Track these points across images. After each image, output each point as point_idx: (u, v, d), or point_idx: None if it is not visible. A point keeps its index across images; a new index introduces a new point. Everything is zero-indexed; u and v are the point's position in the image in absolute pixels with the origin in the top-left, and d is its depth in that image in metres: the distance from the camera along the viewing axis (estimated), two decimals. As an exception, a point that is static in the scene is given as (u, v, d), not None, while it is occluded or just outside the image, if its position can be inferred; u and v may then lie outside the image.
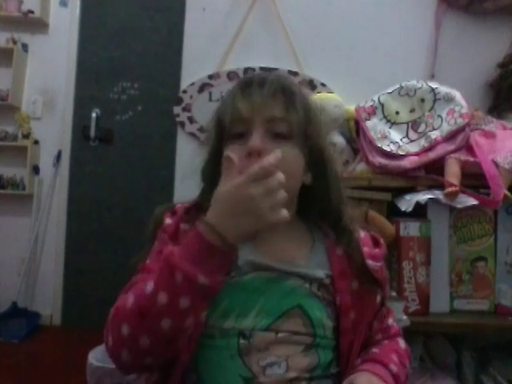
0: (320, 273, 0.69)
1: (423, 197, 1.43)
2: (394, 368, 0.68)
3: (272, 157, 0.57)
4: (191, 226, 0.67)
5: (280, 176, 0.56)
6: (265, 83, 0.68)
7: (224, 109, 0.70)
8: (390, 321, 0.77)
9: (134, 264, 0.71)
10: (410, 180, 1.54)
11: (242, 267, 0.66)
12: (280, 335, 0.65)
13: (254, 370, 0.63)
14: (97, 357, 1.36)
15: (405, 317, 1.27)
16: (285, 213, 0.56)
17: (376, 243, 0.75)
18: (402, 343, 0.76)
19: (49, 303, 2.73)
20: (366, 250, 0.71)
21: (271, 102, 0.67)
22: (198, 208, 0.71)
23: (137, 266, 0.70)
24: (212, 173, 0.70)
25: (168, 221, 0.71)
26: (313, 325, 0.66)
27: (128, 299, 0.61)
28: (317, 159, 0.70)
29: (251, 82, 0.69)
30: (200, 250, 0.56)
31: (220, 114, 0.71)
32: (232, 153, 0.62)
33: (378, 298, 0.72)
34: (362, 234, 0.75)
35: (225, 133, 0.69)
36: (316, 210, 0.74)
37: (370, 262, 0.70)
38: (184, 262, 0.55)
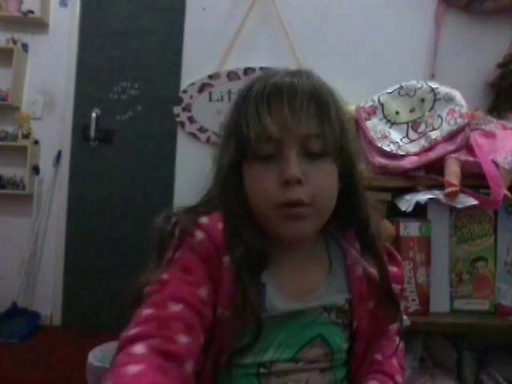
0: (339, 299, 0.64)
1: (423, 197, 1.43)
2: (399, 379, 0.68)
3: None
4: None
5: None
6: (296, 94, 0.57)
7: (247, 122, 0.58)
8: (397, 338, 0.74)
9: (140, 284, 0.58)
10: (410, 180, 1.54)
11: (268, 310, 0.60)
12: (300, 364, 0.62)
13: None
14: (97, 357, 1.37)
15: (405, 317, 1.27)
16: None
17: (391, 258, 0.68)
18: (398, 341, 0.73)
19: (49, 303, 2.73)
20: None
21: (304, 117, 0.57)
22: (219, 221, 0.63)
23: (144, 286, 0.58)
24: (221, 192, 0.62)
25: (199, 235, 0.59)
26: (332, 352, 0.64)
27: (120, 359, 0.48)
28: (348, 170, 0.63)
29: (280, 93, 0.58)
30: None
31: (241, 128, 0.59)
32: (262, 177, 0.57)
33: (393, 315, 0.67)
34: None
35: (247, 149, 0.59)
36: (336, 223, 0.66)
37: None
38: None
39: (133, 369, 0.45)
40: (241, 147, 0.59)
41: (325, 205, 0.60)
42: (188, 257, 0.59)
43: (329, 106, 0.59)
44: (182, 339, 0.51)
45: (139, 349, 0.48)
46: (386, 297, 0.64)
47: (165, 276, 0.57)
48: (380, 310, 0.65)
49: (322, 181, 0.58)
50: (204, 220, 0.61)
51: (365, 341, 0.66)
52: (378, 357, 0.70)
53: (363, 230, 0.64)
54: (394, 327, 0.75)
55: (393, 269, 0.67)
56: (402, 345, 0.74)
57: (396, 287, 0.65)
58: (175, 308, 0.54)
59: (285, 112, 0.56)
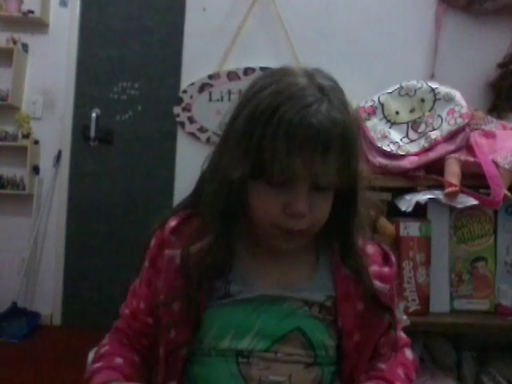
0: (320, 296, 0.65)
1: (423, 197, 1.43)
2: None
3: None
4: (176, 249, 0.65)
5: None
6: (331, 146, 0.56)
7: (272, 156, 0.56)
8: (398, 334, 0.72)
9: (128, 281, 0.74)
10: (410, 180, 1.54)
11: (233, 293, 0.64)
12: (279, 355, 0.63)
13: None
14: (97, 357, 1.36)
15: (405, 317, 1.27)
16: None
17: (386, 260, 0.69)
18: (408, 354, 0.73)
19: (49, 303, 2.74)
20: (374, 268, 0.67)
21: (332, 159, 0.57)
22: (188, 221, 0.68)
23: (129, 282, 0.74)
24: (225, 204, 0.63)
25: (152, 242, 0.68)
26: (313, 347, 0.64)
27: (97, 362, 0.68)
28: (347, 187, 0.62)
29: (315, 141, 0.56)
30: None
31: (266, 157, 0.57)
32: (269, 200, 0.59)
33: (386, 320, 0.67)
34: (371, 249, 0.69)
35: (261, 170, 0.58)
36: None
37: (377, 284, 0.65)
38: None
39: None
40: (257, 170, 0.59)
41: (318, 227, 0.63)
42: (144, 268, 0.70)
43: (352, 146, 0.59)
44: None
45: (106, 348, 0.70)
46: (371, 298, 0.64)
47: (131, 287, 0.73)
48: (369, 311, 0.65)
49: (323, 211, 0.61)
50: (171, 223, 0.67)
51: (353, 342, 0.66)
52: (382, 366, 0.69)
53: (342, 240, 0.66)
54: (402, 339, 0.74)
55: (384, 269, 0.68)
56: (412, 357, 0.73)
57: (385, 287, 0.66)
58: (122, 322, 0.72)
59: (316, 159, 0.56)
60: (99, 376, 0.64)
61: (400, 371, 0.69)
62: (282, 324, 0.64)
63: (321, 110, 0.57)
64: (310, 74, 0.61)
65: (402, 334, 0.76)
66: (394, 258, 0.70)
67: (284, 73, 0.61)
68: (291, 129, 0.55)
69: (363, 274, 0.64)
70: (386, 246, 0.72)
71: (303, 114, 0.56)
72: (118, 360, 0.67)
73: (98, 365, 0.66)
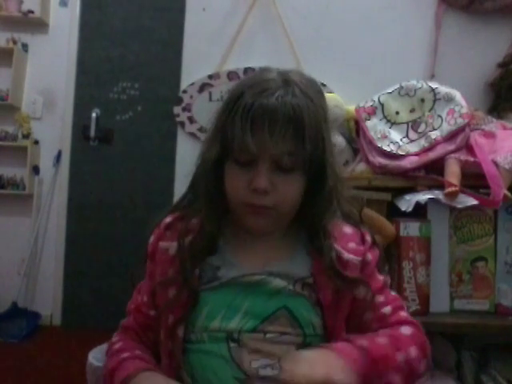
0: (301, 272, 0.70)
1: (423, 197, 1.43)
2: (364, 342, 0.64)
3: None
4: (171, 242, 0.72)
5: None
6: (277, 120, 0.63)
7: (232, 134, 0.65)
8: (387, 309, 0.73)
9: (133, 275, 0.80)
10: (410, 180, 1.54)
11: (222, 276, 0.69)
12: (268, 335, 0.66)
13: (248, 372, 0.64)
14: (97, 357, 1.36)
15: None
16: None
17: (363, 240, 0.74)
18: (404, 330, 0.70)
19: (49, 303, 2.74)
20: (351, 246, 0.72)
21: (281, 139, 0.64)
22: (182, 219, 0.74)
23: (135, 277, 0.79)
24: (205, 184, 0.71)
25: (151, 238, 0.75)
26: (300, 325, 0.67)
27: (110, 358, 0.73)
28: (317, 174, 0.69)
29: (263, 117, 0.63)
30: None
31: (226, 135, 0.67)
32: (237, 179, 0.67)
33: (362, 292, 0.70)
34: (350, 230, 0.75)
35: (229, 153, 0.68)
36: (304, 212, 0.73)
37: (350, 256, 0.71)
38: None
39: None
40: (224, 150, 0.68)
41: (286, 209, 0.69)
42: (147, 265, 0.76)
43: (304, 128, 0.64)
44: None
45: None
46: (335, 272, 0.69)
47: (138, 285, 0.79)
48: (344, 287, 0.69)
49: (287, 191, 0.67)
50: (166, 220, 0.75)
51: (332, 316, 0.69)
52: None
53: (313, 224, 0.72)
54: (395, 315, 0.73)
55: (360, 247, 0.73)
56: (409, 333, 0.70)
57: (356, 258, 0.71)
58: (129, 318, 0.78)
59: (265, 135, 0.63)
60: (128, 364, 0.67)
61: (380, 339, 0.67)
62: (269, 303, 0.67)
63: (275, 94, 0.64)
64: (284, 72, 0.69)
65: (404, 314, 0.74)
66: (369, 238, 0.75)
67: (261, 70, 0.71)
68: (245, 109, 0.64)
69: (325, 251, 0.69)
70: (365, 228, 0.77)
71: (258, 97, 0.65)
72: (138, 352, 0.72)
73: (124, 355, 0.70)
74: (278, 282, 0.68)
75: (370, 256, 0.73)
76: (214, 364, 0.66)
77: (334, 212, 0.73)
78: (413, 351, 0.67)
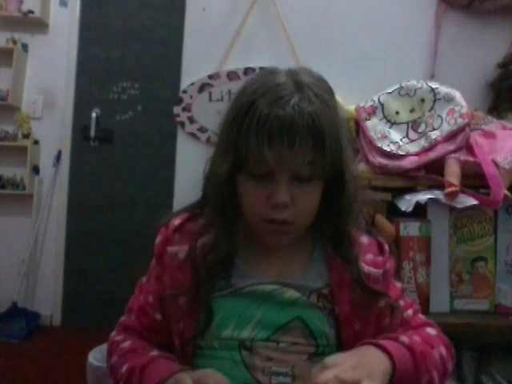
0: (317, 283, 0.68)
1: (423, 197, 1.43)
2: (405, 339, 0.64)
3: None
4: (179, 246, 0.69)
5: None
6: (296, 132, 0.59)
7: (247, 146, 0.61)
8: (409, 312, 0.73)
9: (134, 273, 0.77)
10: (410, 180, 1.54)
11: (234, 284, 0.67)
12: (281, 345, 0.65)
13: (261, 380, 0.63)
14: (97, 357, 1.36)
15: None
16: None
17: (381, 250, 0.73)
18: (430, 330, 0.71)
19: (49, 303, 2.74)
20: (369, 257, 0.70)
21: (301, 151, 0.60)
22: (191, 220, 0.72)
23: (137, 276, 0.76)
24: (219, 200, 0.67)
25: (158, 239, 0.72)
26: (314, 336, 0.66)
27: (113, 354, 0.73)
28: (335, 180, 0.66)
29: (281, 129, 0.59)
30: None
31: (241, 148, 0.62)
32: (254, 194, 0.63)
33: (382, 304, 0.69)
34: (366, 239, 0.73)
35: (243, 166, 0.63)
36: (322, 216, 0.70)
37: (371, 269, 0.68)
38: None
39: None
40: (238, 163, 0.63)
41: (305, 220, 0.66)
42: (152, 264, 0.73)
43: (324, 137, 0.61)
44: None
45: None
46: (361, 284, 0.67)
47: (144, 280, 0.75)
48: (364, 299, 0.67)
49: (307, 202, 0.64)
50: (175, 222, 0.71)
51: (353, 331, 0.67)
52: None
53: (336, 230, 0.69)
54: (417, 318, 0.73)
55: (378, 258, 0.71)
56: (434, 333, 0.71)
57: (378, 271, 0.69)
58: (131, 318, 0.74)
59: (284, 147, 0.59)
60: (160, 364, 0.64)
61: (414, 336, 0.67)
62: (283, 313, 0.66)
63: (290, 102, 0.60)
64: (292, 72, 0.65)
65: (422, 316, 0.75)
66: (387, 247, 0.73)
67: (268, 72, 0.66)
68: (261, 121, 0.60)
69: (352, 262, 0.67)
70: (381, 238, 0.75)
71: (272, 107, 0.60)
72: (156, 352, 0.68)
73: (153, 354, 0.66)
74: (292, 293, 0.67)
75: (388, 265, 0.72)
76: (226, 367, 0.64)
77: (357, 218, 0.71)
78: (443, 350, 0.69)
